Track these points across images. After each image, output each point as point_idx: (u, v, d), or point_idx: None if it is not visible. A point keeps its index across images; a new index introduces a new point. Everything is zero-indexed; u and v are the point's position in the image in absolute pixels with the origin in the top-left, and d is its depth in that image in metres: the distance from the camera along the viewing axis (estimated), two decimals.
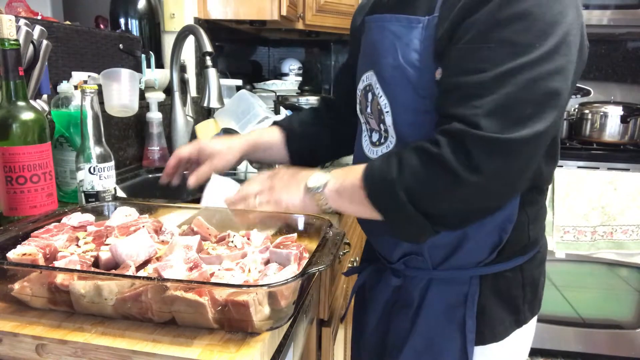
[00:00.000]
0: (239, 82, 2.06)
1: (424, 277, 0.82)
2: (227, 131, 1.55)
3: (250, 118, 1.65)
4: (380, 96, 0.78)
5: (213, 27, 1.93)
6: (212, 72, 1.33)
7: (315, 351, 1.00)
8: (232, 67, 2.35)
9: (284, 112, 1.73)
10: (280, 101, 2.14)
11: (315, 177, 0.73)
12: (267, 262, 0.62)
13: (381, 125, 0.80)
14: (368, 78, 0.81)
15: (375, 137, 0.83)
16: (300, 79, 2.66)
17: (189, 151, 0.94)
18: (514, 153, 0.61)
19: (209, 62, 1.32)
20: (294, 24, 2.13)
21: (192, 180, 0.90)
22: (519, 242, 0.80)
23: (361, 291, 0.98)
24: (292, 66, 2.67)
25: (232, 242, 0.65)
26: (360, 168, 0.70)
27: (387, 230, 0.70)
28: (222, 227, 0.72)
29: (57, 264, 0.57)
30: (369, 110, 0.82)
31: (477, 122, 0.61)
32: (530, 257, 0.83)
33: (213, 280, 0.54)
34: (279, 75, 2.69)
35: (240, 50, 2.66)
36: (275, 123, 1.07)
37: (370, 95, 0.81)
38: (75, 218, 0.70)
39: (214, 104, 1.35)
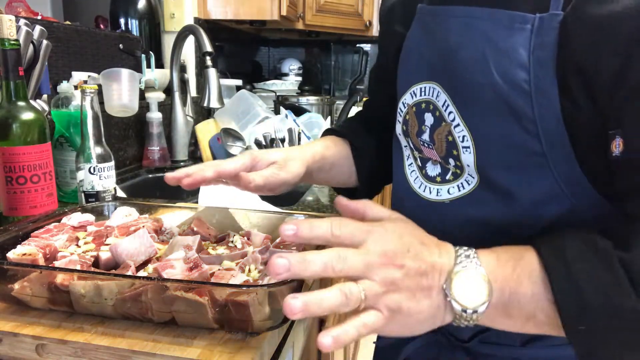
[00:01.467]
0: (239, 82, 2.06)
1: (506, 358, 0.58)
2: (227, 131, 1.55)
3: (250, 118, 1.66)
4: (457, 124, 0.54)
5: (213, 27, 1.93)
6: (212, 72, 1.33)
7: (315, 351, 1.00)
8: (232, 67, 2.35)
9: (284, 112, 1.73)
10: (280, 101, 2.15)
11: (467, 284, 0.41)
12: (267, 262, 0.62)
13: (450, 160, 0.57)
14: (425, 92, 0.59)
15: (433, 170, 0.60)
16: (300, 79, 2.66)
17: (236, 166, 0.62)
18: None
19: (209, 62, 1.32)
20: (294, 24, 2.13)
21: (259, 181, 0.61)
22: None
23: None
24: (292, 66, 2.67)
25: (232, 242, 0.65)
26: (539, 265, 0.42)
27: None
28: (222, 227, 0.72)
29: (57, 264, 0.57)
30: (425, 137, 0.59)
31: None
32: None
33: (213, 280, 0.54)
34: (279, 75, 2.69)
35: (240, 50, 2.66)
36: (330, 131, 0.80)
37: (430, 118, 0.58)
38: (75, 218, 0.70)
39: (214, 104, 1.35)
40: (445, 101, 0.55)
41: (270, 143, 1.50)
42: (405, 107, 0.62)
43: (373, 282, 0.40)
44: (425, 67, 0.59)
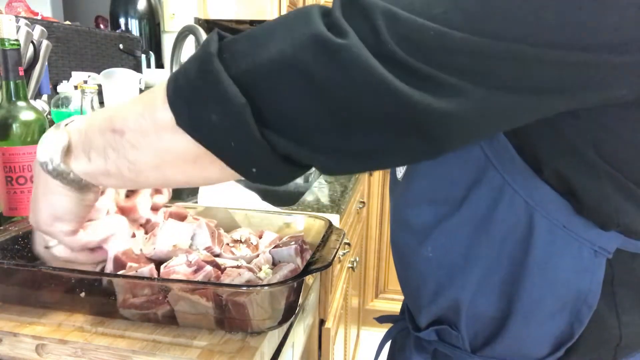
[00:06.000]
0: None
1: None
2: None
3: None
4: None
5: (213, 27, 1.93)
6: None
7: (315, 351, 1.00)
8: None
9: None
10: None
11: (47, 139, 0.46)
12: (273, 262, 0.63)
13: None
14: None
15: None
16: None
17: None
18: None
19: None
20: None
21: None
22: (603, 341, 0.51)
23: (392, 344, 0.73)
24: None
25: (251, 241, 0.66)
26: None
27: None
28: (222, 227, 0.72)
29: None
30: None
31: None
32: None
33: (223, 277, 0.55)
34: None
35: None
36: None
37: None
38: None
39: None
40: None
41: None
42: None
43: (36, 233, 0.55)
44: None
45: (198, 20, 1.81)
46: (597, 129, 0.40)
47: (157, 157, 0.42)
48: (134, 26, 1.62)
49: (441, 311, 0.56)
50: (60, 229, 0.51)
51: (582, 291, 0.48)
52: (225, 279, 0.56)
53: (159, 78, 1.53)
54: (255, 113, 0.36)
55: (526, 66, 0.34)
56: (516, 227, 0.48)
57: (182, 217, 0.69)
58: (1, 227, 0.64)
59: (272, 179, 0.41)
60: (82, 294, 0.53)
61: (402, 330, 0.68)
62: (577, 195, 0.45)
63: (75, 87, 1.03)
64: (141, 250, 0.60)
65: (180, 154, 0.41)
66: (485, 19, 0.34)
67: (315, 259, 0.55)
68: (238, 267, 0.58)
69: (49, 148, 0.45)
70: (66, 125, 0.47)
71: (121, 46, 1.45)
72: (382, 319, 0.75)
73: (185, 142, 0.39)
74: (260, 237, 0.69)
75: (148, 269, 0.55)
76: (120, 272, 0.56)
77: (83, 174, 0.46)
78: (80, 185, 0.47)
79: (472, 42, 0.33)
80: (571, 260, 0.47)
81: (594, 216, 0.46)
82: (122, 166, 0.43)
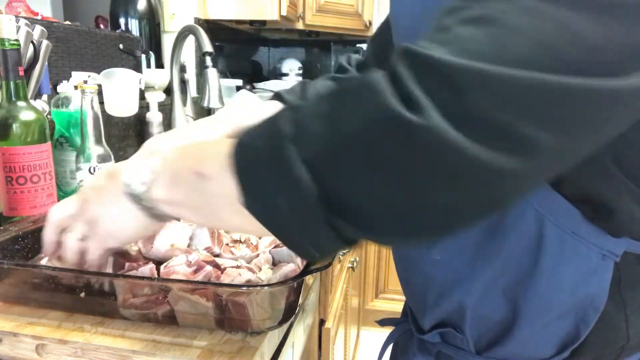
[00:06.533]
0: (239, 82, 2.06)
1: None
2: None
3: None
4: None
5: (213, 27, 1.93)
6: (212, 72, 1.33)
7: (315, 351, 1.00)
8: (232, 67, 2.35)
9: None
10: None
11: (135, 164, 0.46)
12: (273, 262, 0.63)
13: None
14: None
15: None
16: (300, 79, 2.66)
17: None
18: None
19: (209, 62, 1.32)
20: (294, 24, 2.13)
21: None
22: (609, 342, 0.51)
23: (394, 347, 0.72)
24: (292, 66, 2.67)
25: (251, 241, 0.66)
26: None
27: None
28: None
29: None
30: None
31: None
32: None
33: (223, 276, 0.55)
34: (279, 75, 2.69)
35: (240, 50, 2.66)
36: (277, 96, 0.73)
37: None
38: None
39: (214, 104, 1.35)
40: None
41: None
42: None
43: (76, 222, 0.51)
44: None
45: (198, 20, 1.81)
46: (616, 139, 0.40)
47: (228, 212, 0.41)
48: (134, 26, 1.62)
49: (445, 314, 0.56)
50: (110, 243, 0.50)
51: (589, 294, 0.48)
52: (225, 279, 0.56)
53: (159, 78, 1.53)
54: (324, 198, 0.34)
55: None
56: (525, 234, 0.48)
57: None
58: (1, 227, 0.64)
59: (326, 257, 0.41)
60: (82, 294, 0.53)
61: (405, 333, 0.67)
62: (592, 204, 0.45)
63: (75, 87, 1.03)
64: (140, 249, 0.60)
65: (243, 220, 0.39)
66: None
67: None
68: (238, 267, 0.58)
69: (136, 173, 0.45)
70: (152, 150, 0.46)
71: (121, 46, 1.45)
72: (383, 322, 0.74)
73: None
74: (260, 238, 0.69)
75: (148, 269, 0.55)
76: (119, 272, 0.56)
77: (162, 201, 0.45)
78: (154, 213, 0.46)
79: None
80: (579, 265, 0.47)
81: (608, 224, 0.46)
82: (202, 206, 0.43)
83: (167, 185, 0.44)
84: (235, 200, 0.38)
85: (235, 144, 0.38)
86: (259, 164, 0.36)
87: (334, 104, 0.35)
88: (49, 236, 0.53)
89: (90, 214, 0.49)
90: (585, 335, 0.50)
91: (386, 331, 0.71)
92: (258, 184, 0.37)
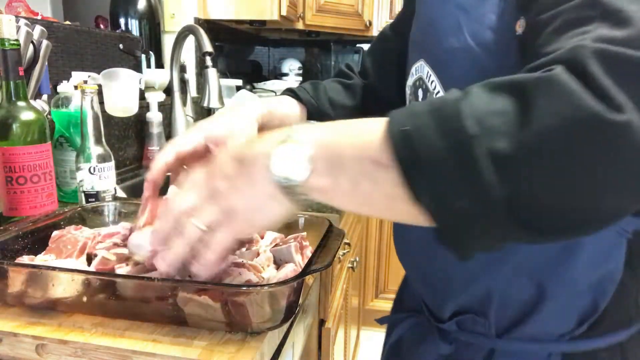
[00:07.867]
0: (239, 82, 2.06)
1: (484, 347, 0.59)
2: None
3: None
4: (437, 92, 0.56)
5: (213, 27, 1.93)
6: (212, 72, 1.33)
7: (315, 351, 1.00)
8: (232, 67, 2.35)
9: None
10: None
11: (285, 152, 0.40)
12: (275, 262, 0.63)
13: None
14: (418, 70, 0.60)
15: None
16: (300, 79, 2.66)
17: (193, 146, 0.58)
18: None
19: (209, 62, 1.32)
20: (294, 24, 2.13)
21: None
22: (622, 311, 0.56)
23: (396, 349, 0.72)
24: (292, 66, 2.67)
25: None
26: (373, 119, 0.38)
27: (435, 229, 0.37)
28: None
29: None
30: None
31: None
32: (637, 332, 0.58)
33: (223, 277, 0.55)
34: (279, 75, 2.69)
35: (240, 50, 2.66)
36: (290, 91, 0.74)
37: (420, 93, 0.60)
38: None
39: (214, 104, 1.35)
40: (428, 72, 0.58)
41: None
42: (408, 91, 0.65)
43: (204, 211, 0.44)
44: (416, 47, 0.63)
45: (198, 20, 1.81)
46: None
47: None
48: (134, 26, 1.62)
49: (471, 299, 0.58)
50: (248, 231, 0.47)
51: (609, 269, 0.53)
52: (225, 279, 0.56)
53: (159, 78, 1.53)
54: (510, 201, 0.32)
55: None
56: None
57: None
58: (1, 227, 0.64)
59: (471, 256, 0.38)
60: (85, 299, 0.53)
61: (411, 329, 0.68)
62: None
63: (75, 87, 1.03)
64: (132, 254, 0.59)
65: (405, 211, 0.37)
66: None
67: (314, 259, 0.55)
68: (242, 264, 0.58)
69: (292, 163, 0.39)
70: (295, 136, 0.40)
71: (121, 46, 1.45)
72: (383, 320, 0.75)
73: (414, 209, 0.36)
74: (262, 238, 0.69)
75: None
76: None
77: (316, 189, 0.40)
78: (302, 200, 0.41)
79: None
80: (600, 243, 0.51)
81: None
82: (369, 194, 0.38)
83: (327, 174, 0.39)
84: (402, 192, 0.35)
85: (400, 135, 0.35)
86: (440, 163, 0.33)
87: (518, 102, 0.33)
88: (167, 227, 0.46)
89: (226, 204, 0.43)
90: (604, 307, 0.54)
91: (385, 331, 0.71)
92: (435, 181, 0.34)
